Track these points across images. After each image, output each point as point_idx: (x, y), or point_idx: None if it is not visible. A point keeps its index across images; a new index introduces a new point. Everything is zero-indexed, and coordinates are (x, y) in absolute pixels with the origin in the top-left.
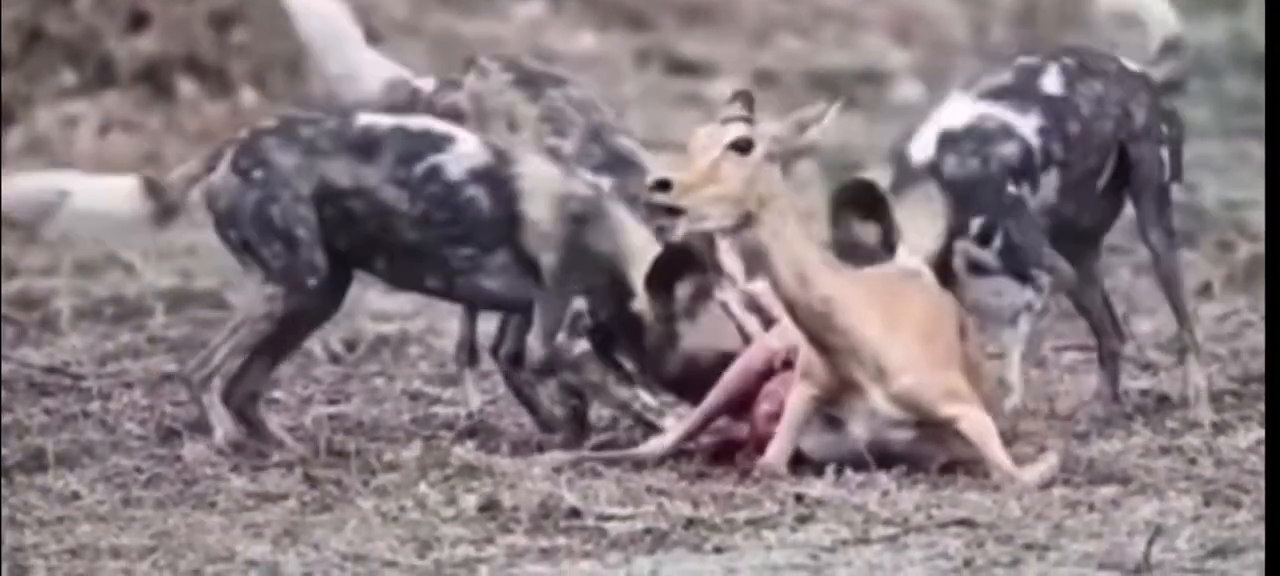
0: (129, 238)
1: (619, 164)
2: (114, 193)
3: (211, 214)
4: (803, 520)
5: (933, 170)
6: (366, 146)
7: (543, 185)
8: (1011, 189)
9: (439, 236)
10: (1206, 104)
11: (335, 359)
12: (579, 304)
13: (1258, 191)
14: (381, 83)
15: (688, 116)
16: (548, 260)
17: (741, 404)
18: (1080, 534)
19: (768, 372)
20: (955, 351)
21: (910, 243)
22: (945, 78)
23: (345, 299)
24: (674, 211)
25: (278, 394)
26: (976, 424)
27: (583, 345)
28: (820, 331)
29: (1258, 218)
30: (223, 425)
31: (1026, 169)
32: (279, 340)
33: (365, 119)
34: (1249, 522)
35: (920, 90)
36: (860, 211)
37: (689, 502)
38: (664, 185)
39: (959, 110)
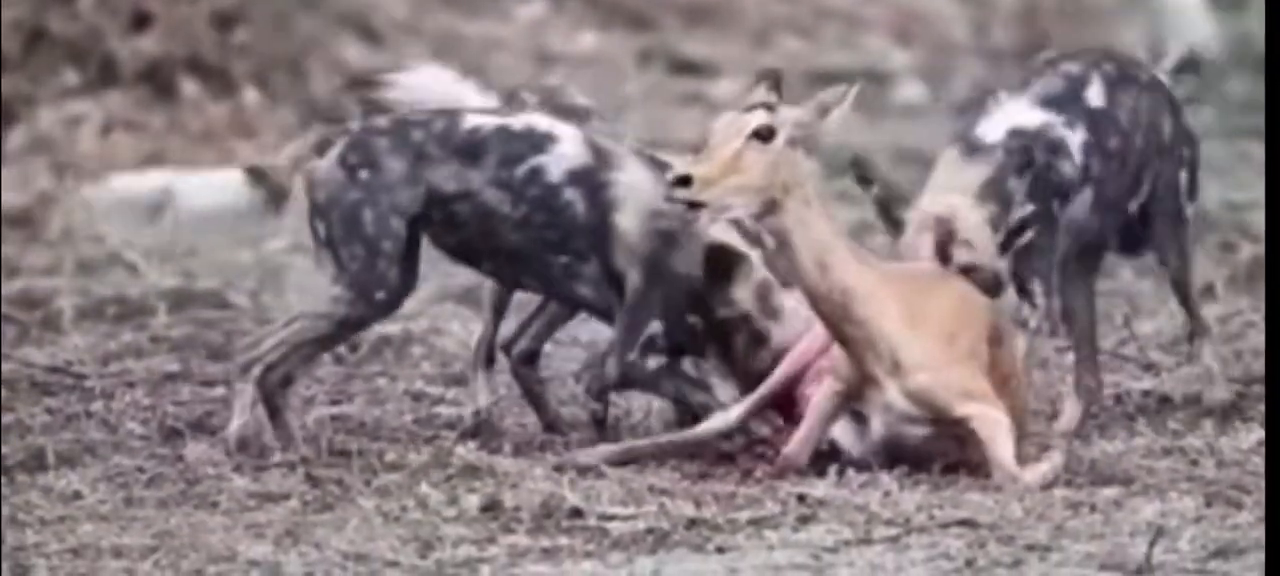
0: (238, 229)
1: None
2: (222, 187)
3: (308, 200)
4: (805, 520)
5: (1025, 154)
6: (472, 149)
7: (636, 195)
8: (1054, 204)
9: (538, 240)
10: (1208, 105)
11: (338, 359)
12: (655, 327)
13: (1260, 192)
14: None
15: (689, 116)
16: (633, 277)
17: (797, 382)
18: (1082, 534)
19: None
20: (978, 354)
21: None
22: (946, 78)
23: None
24: (695, 205)
25: None
26: (988, 422)
27: (658, 360)
28: (838, 321)
29: (1260, 219)
30: (241, 417)
31: (1067, 186)
32: (331, 339)
33: (471, 120)
34: (1251, 524)
35: (922, 91)
36: (866, 184)
37: (691, 502)
38: (684, 181)
39: (1024, 111)
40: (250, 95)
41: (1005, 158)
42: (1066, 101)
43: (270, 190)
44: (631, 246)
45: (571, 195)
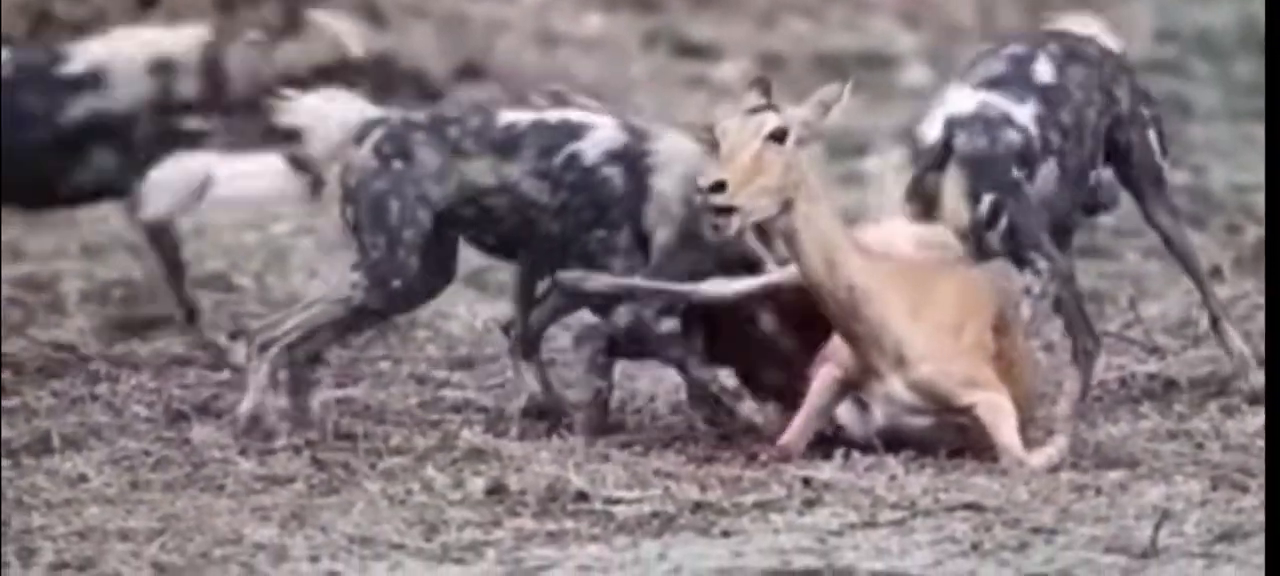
0: (279, 210)
1: None
2: (262, 174)
3: (340, 185)
4: (810, 504)
5: (946, 148)
6: (508, 144)
7: (677, 159)
8: (1015, 172)
9: (576, 223)
10: (1214, 87)
11: (343, 342)
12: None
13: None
14: None
15: (695, 99)
16: (662, 235)
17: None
18: (1087, 517)
19: None
20: (984, 343)
21: (948, 219)
22: (953, 62)
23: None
24: (726, 210)
25: (282, 377)
26: (991, 408)
27: (671, 323)
28: (845, 317)
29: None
30: (253, 398)
31: (1027, 156)
32: (348, 325)
33: (507, 116)
34: (1255, 507)
35: (928, 74)
36: None
37: (696, 486)
38: (720, 186)
39: (962, 99)
40: None
41: (933, 158)
42: (1011, 81)
43: (313, 176)
44: (666, 206)
45: (609, 171)
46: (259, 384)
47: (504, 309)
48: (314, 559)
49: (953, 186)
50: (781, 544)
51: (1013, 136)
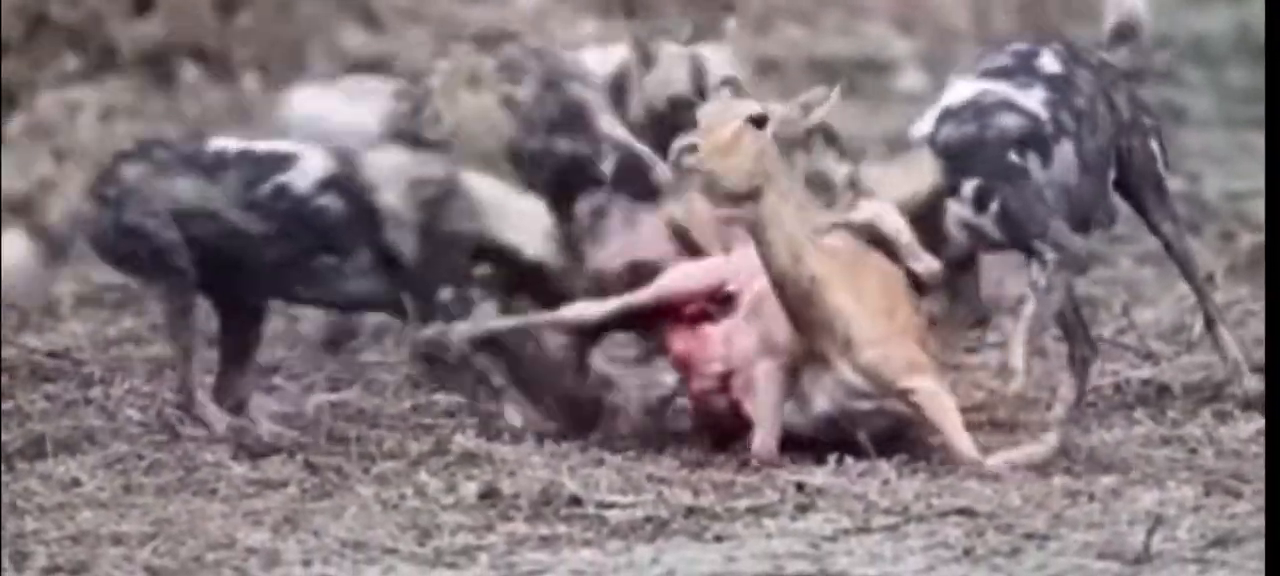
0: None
1: (573, 112)
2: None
3: (91, 247)
4: (803, 509)
5: (929, 141)
6: (214, 169)
7: (392, 174)
8: (1013, 157)
9: (298, 249)
10: (1209, 94)
11: (336, 346)
12: (445, 294)
13: (1260, 182)
14: None
15: None
16: (409, 249)
17: (670, 312)
18: (1080, 523)
19: (710, 299)
20: (914, 324)
21: (886, 194)
22: (948, 66)
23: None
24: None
25: (277, 381)
26: (934, 401)
27: (464, 327)
28: (803, 306)
29: (1260, 208)
30: (219, 422)
31: (1034, 139)
32: (233, 340)
33: (217, 143)
34: (1249, 513)
35: (923, 79)
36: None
37: (689, 491)
38: (693, 148)
39: (960, 90)
40: (250, 81)
41: (928, 145)
42: (1016, 70)
43: (51, 247)
44: (401, 219)
45: (325, 200)
46: (212, 414)
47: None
48: (306, 563)
49: (915, 168)
50: (774, 549)
51: (1012, 120)
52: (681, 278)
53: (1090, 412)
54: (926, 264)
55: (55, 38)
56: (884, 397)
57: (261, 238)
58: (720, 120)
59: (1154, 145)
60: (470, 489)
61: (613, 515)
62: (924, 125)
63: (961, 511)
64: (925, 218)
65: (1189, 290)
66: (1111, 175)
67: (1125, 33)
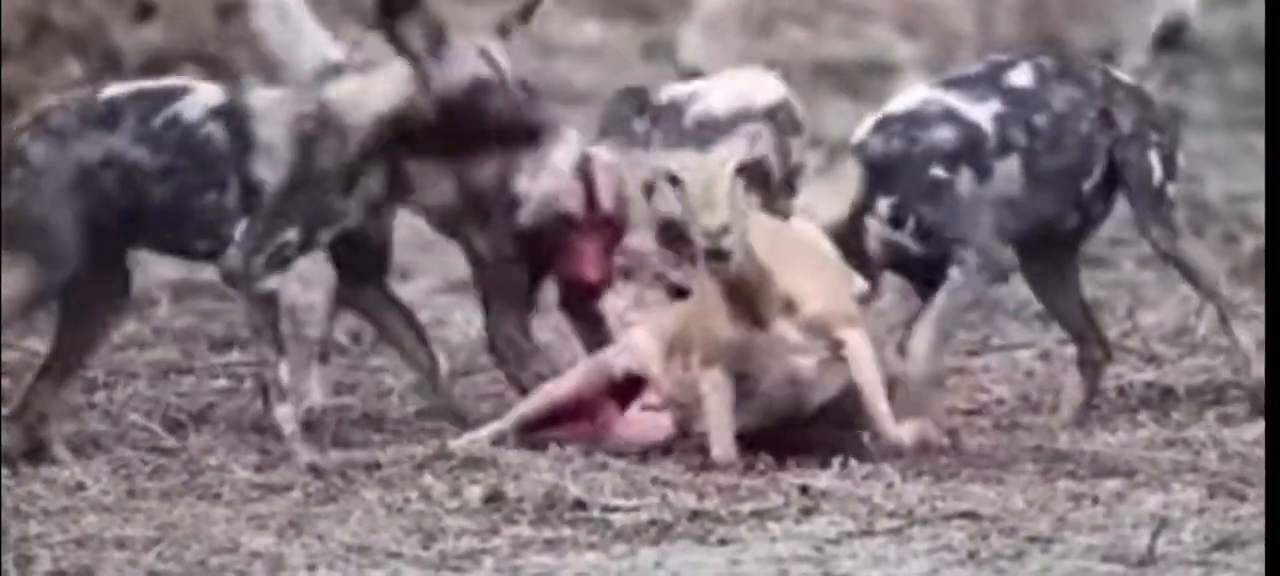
0: None
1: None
2: None
3: None
4: (807, 512)
5: (858, 149)
6: (110, 116)
7: (275, 109)
8: (937, 171)
9: (183, 187)
10: (1211, 97)
11: (341, 350)
12: (290, 234)
13: (1261, 184)
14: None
15: None
16: (272, 180)
17: (584, 411)
18: (1084, 526)
19: (613, 392)
20: (843, 278)
21: (811, 213)
22: (951, 70)
23: (129, 291)
24: (724, 254)
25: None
26: (859, 351)
27: (272, 283)
28: (752, 294)
29: (1262, 210)
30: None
31: (969, 153)
32: (64, 361)
33: (110, 90)
34: (1253, 515)
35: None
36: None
37: (694, 494)
38: (726, 230)
39: (907, 98)
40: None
41: (856, 155)
42: (979, 81)
43: None
44: (274, 152)
45: (211, 128)
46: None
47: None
48: (311, 567)
49: (840, 185)
50: (779, 552)
51: (945, 134)
52: (588, 380)
53: (1094, 416)
54: (856, 284)
55: (57, 43)
56: (822, 351)
57: (154, 172)
58: (716, 181)
59: (1152, 157)
60: (475, 493)
61: (617, 519)
62: (861, 130)
63: (966, 514)
64: (850, 234)
65: (1192, 292)
66: (1090, 183)
67: (1172, 35)
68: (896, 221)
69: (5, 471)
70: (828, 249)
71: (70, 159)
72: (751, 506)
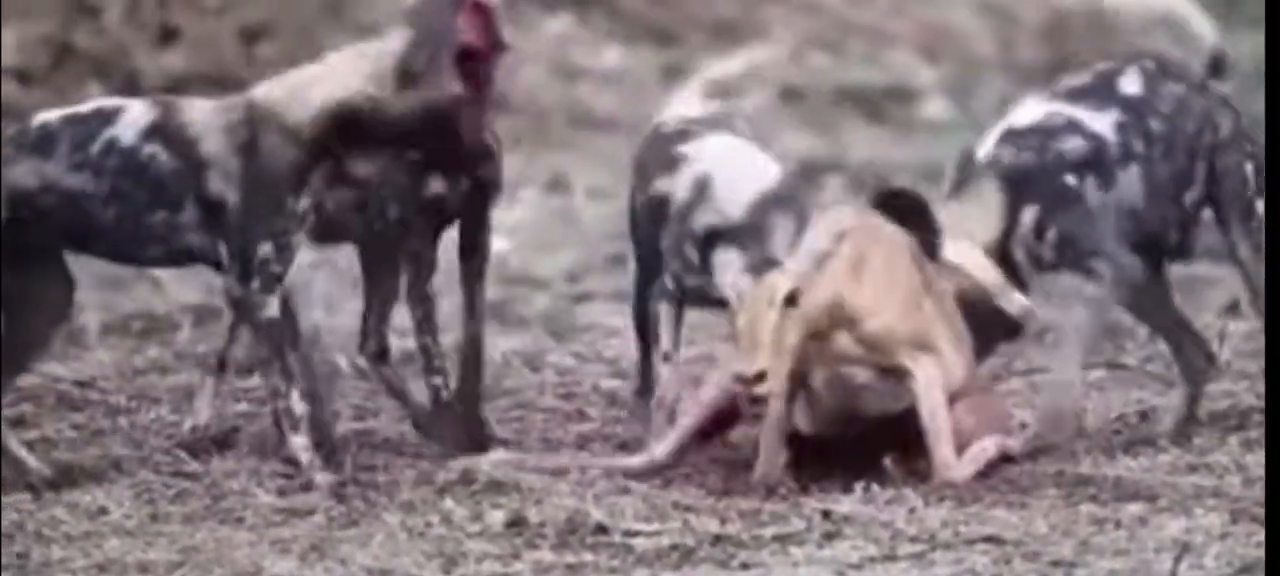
0: None
1: None
2: None
3: None
4: (830, 537)
5: (991, 165)
6: (42, 143)
7: (209, 122)
8: (1069, 180)
9: (131, 207)
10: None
11: (362, 374)
12: (264, 248)
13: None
14: None
15: None
16: (232, 198)
17: (720, 422)
18: (1107, 551)
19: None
20: (919, 296)
21: (966, 236)
22: (972, 94)
23: (72, 291)
24: (763, 398)
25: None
26: (928, 387)
27: (272, 309)
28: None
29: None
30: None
31: (1096, 163)
32: (11, 359)
33: (40, 118)
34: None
35: (948, 107)
36: (897, 216)
37: (716, 519)
38: (761, 377)
39: (1029, 110)
40: None
41: (991, 170)
42: (1092, 92)
43: None
44: (223, 166)
45: (152, 149)
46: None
47: (524, 341)
48: None
49: (984, 202)
50: None
51: (1075, 143)
52: (721, 396)
53: (1116, 441)
54: (1019, 304)
55: (80, 67)
56: (881, 371)
57: (98, 197)
58: (758, 315)
59: (1249, 168)
60: (496, 517)
61: (639, 543)
62: (988, 146)
63: (988, 539)
64: (994, 249)
65: (1215, 318)
66: (1192, 196)
67: (1218, 66)
68: (1040, 231)
69: (27, 496)
70: (900, 248)
71: (5, 184)
72: (774, 531)
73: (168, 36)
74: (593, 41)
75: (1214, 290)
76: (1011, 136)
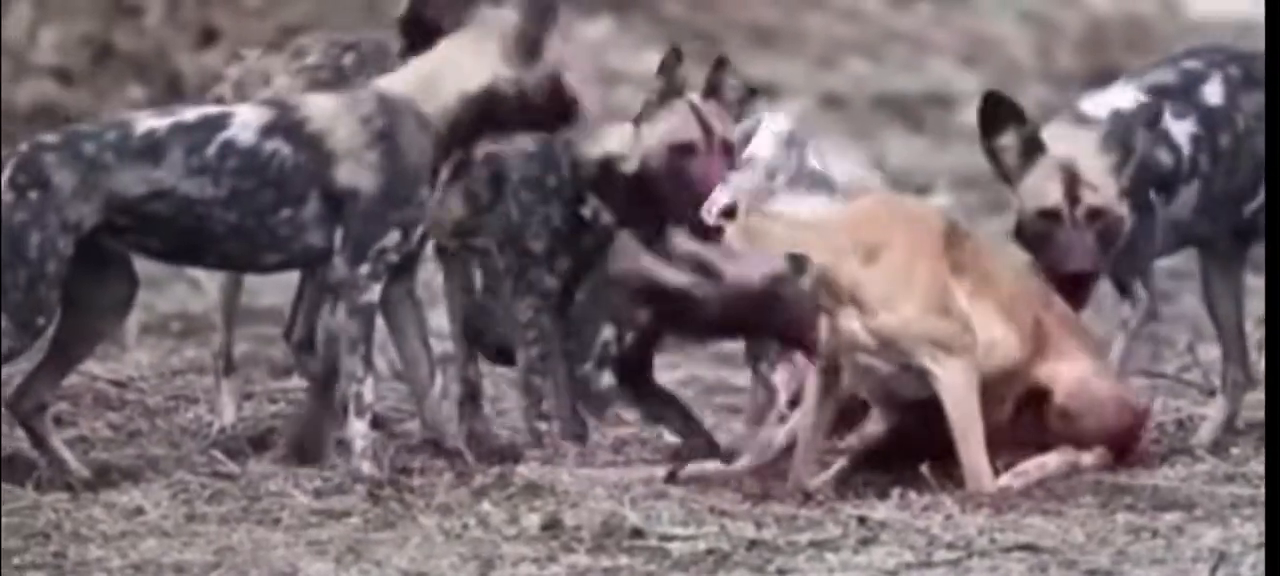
0: None
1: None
2: None
3: None
4: (866, 543)
5: (1111, 120)
6: (151, 150)
7: (336, 114)
8: (1151, 193)
9: (255, 208)
10: None
11: (398, 376)
12: (389, 238)
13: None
14: None
15: None
16: (366, 186)
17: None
18: (1144, 559)
19: None
20: (940, 287)
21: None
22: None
23: (135, 291)
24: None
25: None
26: (954, 393)
27: (373, 294)
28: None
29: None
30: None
31: (1170, 178)
32: (64, 353)
33: (145, 123)
34: None
35: None
36: (1001, 123)
37: (752, 524)
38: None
39: (1127, 94)
40: None
41: (1119, 121)
42: (1177, 93)
43: None
44: (357, 155)
45: (273, 145)
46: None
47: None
48: None
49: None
50: None
51: (1161, 157)
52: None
53: (1154, 450)
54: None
55: (121, 68)
56: (901, 367)
57: (217, 202)
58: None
59: None
60: (533, 520)
61: (675, 547)
62: (1097, 107)
63: (1025, 547)
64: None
65: (1253, 328)
66: (1252, 207)
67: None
68: (1142, 177)
69: (65, 496)
70: (928, 232)
71: (101, 190)
72: (810, 537)
73: (208, 37)
74: (632, 45)
75: (1253, 300)
76: (1121, 116)
